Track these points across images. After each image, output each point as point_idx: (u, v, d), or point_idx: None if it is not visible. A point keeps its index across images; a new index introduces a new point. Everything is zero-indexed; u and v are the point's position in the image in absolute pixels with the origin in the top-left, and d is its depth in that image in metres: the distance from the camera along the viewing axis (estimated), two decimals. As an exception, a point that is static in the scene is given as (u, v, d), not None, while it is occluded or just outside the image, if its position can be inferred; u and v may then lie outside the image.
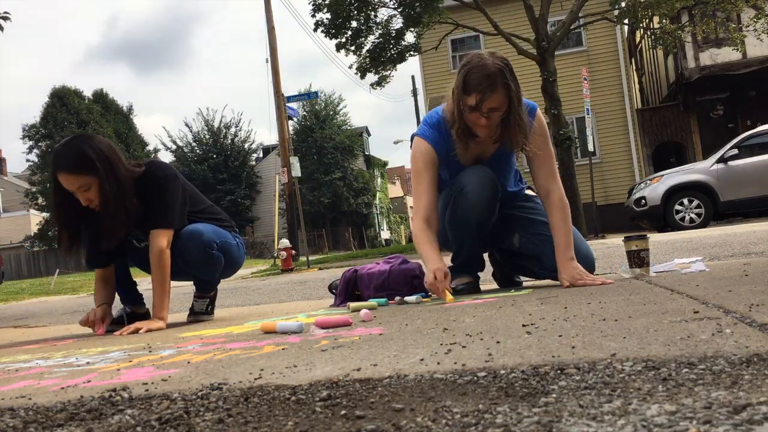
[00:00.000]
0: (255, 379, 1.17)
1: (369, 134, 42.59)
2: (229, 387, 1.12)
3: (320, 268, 11.40)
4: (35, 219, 34.77)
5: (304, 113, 36.33)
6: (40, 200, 31.19)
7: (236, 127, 37.76)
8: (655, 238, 6.91)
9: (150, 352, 1.79)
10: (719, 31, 14.96)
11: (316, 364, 1.26)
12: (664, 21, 15.05)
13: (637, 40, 23.26)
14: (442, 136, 2.59)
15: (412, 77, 36.01)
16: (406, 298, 2.58)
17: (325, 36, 14.71)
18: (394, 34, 14.73)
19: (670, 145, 18.83)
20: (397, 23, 14.67)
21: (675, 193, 11.15)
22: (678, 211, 11.12)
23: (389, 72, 15.52)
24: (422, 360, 1.20)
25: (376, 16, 14.72)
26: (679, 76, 18.23)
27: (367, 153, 40.85)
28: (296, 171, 14.36)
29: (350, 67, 15.61)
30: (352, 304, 2.50)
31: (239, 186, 36.60)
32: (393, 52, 14.93)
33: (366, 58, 15.03)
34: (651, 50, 22.62)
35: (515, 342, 1.30)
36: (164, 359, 1.58)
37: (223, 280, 3.05)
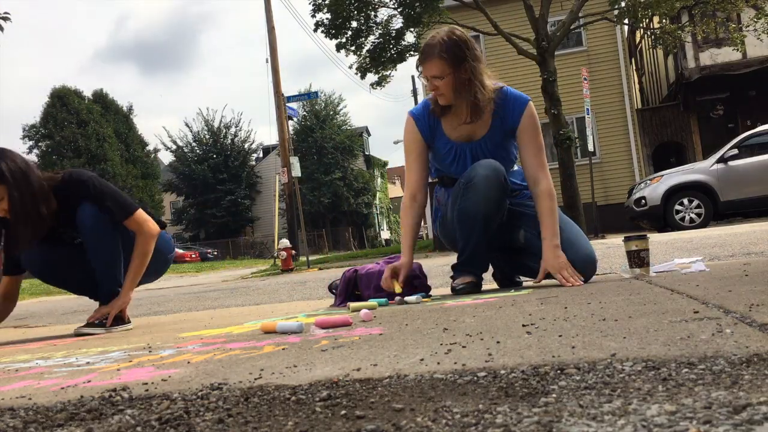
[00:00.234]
0: (255, 379, 1.17)
1: (369, 134, 42.61)
2: (229, 387, 1.12)
3: (320, 268, 11.41)
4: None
5: (304, 113, 36.35)
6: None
7: (236, 127, 37.81)
8: (655, 238, 6.92)
9: (150, 352, 1.79)
10: (719, 31, 14.98)
11: (316, 364, 1.26)
12: (664, 21, 15.07)
13: (637, 40, 23.28)
14: (426, 111, 2.81)
15: (412, 77, 36.10)
16: (406, 298, 2.58)
17: (325, 36, 14.74)
18: (394, 34, 14.75)
19: (670, 145, 18.84)
20: (397, 23, 14.70)
21: (675, 193, 11.14)
22: (678, 211, 11.11)
23: (389, 72, 15.55)
24: (422, 360, 1.20)
25: (376, 16, 14.75)
26: (679, 76, 18.24)
27: (367, 153, 40.85)
28: (296, 171, 14.37)
29: (350, 67, 15.67)
30: (352, 304, 2.50)
31: (239, 186, 36.61)
32: (393, 52, 14.96)
33: (366, 58, 15.05)
34: (651, 50, 22.63)
35: (515, 342, 1.30)
36: (164, 359, 1.58)
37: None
